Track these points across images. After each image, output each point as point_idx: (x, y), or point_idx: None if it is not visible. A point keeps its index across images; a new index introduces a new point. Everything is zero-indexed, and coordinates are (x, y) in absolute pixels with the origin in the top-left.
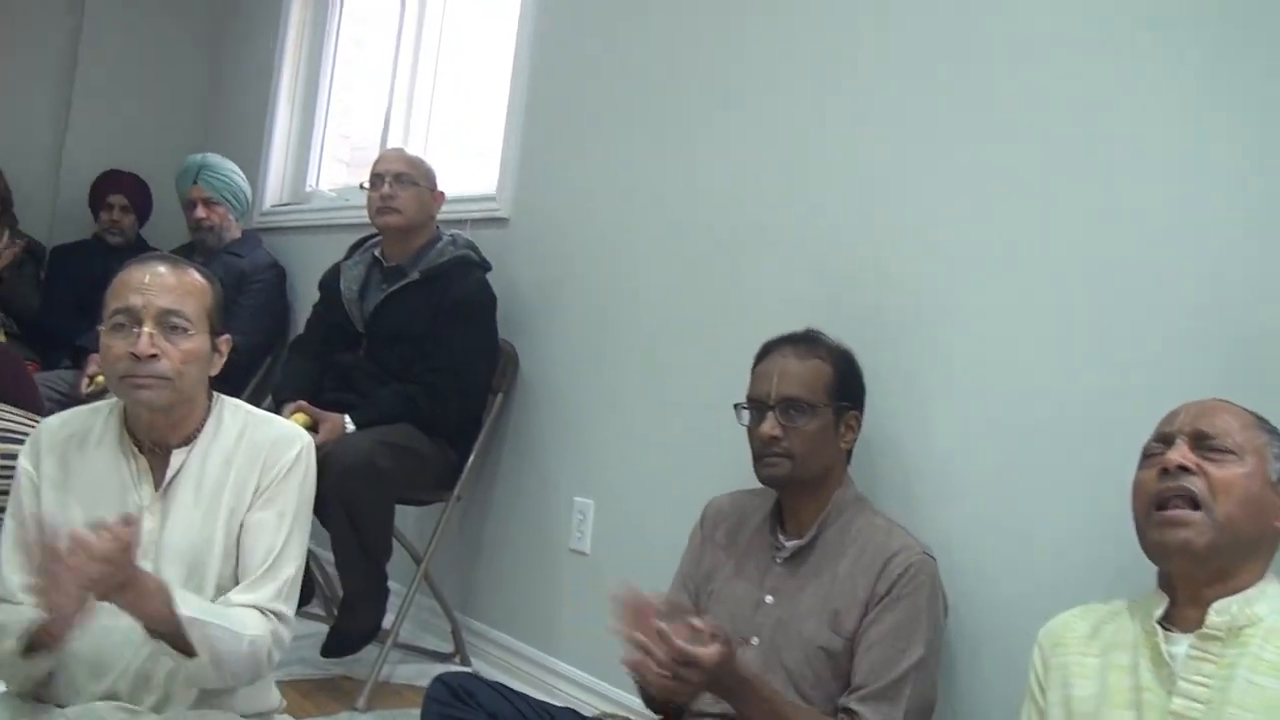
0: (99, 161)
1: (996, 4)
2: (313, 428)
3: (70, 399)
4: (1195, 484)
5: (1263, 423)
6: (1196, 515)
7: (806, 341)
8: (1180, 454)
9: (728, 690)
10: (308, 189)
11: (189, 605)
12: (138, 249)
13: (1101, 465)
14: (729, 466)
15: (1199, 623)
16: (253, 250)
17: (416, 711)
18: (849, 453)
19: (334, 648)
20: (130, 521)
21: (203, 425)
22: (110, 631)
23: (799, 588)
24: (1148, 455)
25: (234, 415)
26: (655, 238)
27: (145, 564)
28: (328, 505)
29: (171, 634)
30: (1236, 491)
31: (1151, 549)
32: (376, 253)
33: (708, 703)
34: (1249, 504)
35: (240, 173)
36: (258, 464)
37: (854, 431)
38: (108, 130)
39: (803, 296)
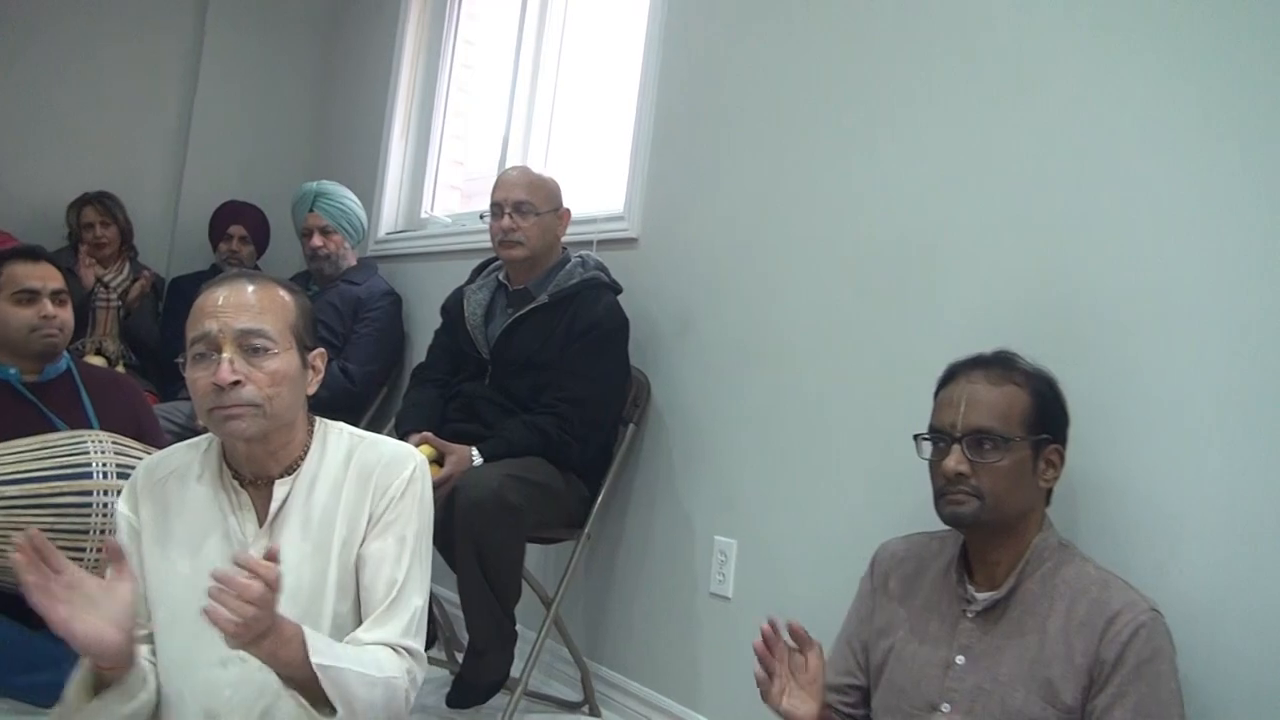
0: (215, 192)
1: None
2: (438, 460)
3: (188, 430)
4: None
5: None
6: None
7: (999, 364)
8: None
9: None
10: (423, 215)
11: (319, 650)
12: None
13: None
14: (893, 507)
15: None
16: (369, 278)
17: None
18: (1049, 492)
19: (460, 698)
20: (273, 556)
21: (306, 452)
22: (218, 682)
23: (997, 648)
24: None
25: (339, 439)
26: (806, 253)
27: None
28: (454, 543)
29: (305, 682)
30: None
31: None
32: (501, 276)
33: None
34: None
35: (356, 200)
36: (369, 489)
37: (1055, 468)
38: (224, 162)
39: (990, 311)
